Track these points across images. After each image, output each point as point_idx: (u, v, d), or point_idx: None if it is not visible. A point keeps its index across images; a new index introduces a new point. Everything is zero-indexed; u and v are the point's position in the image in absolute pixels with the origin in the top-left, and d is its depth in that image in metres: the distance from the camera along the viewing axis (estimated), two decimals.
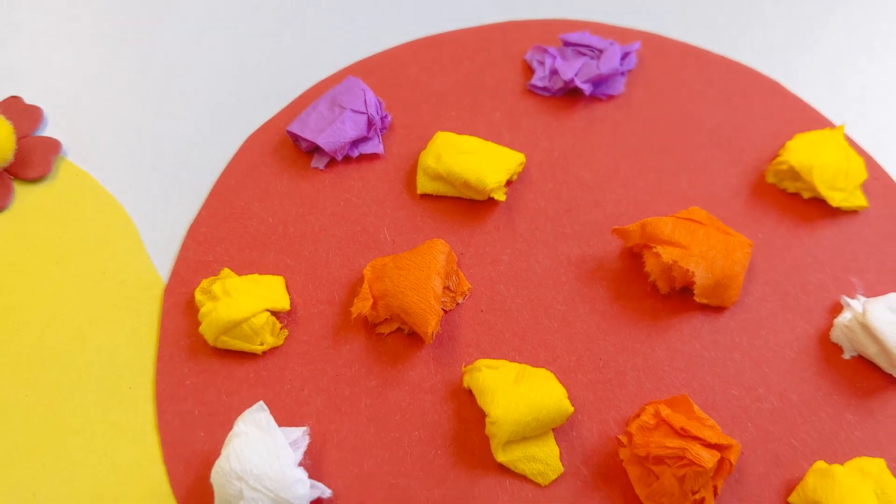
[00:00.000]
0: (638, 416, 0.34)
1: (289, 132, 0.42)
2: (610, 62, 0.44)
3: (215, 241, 0.40)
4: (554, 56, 0.46)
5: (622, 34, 0.47)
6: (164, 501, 0.33)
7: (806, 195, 0.41)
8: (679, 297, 0.38)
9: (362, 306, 0.36)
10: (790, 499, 0.34)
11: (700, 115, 0.44)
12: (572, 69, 0.44)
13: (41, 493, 0.34)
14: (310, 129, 0.41)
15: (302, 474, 0.32)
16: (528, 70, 0.46)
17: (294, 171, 0.42)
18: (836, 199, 0.40)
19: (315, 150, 0.42)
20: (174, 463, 0.34)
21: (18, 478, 0.34)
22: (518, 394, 0.34)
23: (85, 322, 0.37)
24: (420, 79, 0.46)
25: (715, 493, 0.33)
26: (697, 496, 0.33)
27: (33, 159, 0.41)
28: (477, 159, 0.40)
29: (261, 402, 0.32)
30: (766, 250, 0.39)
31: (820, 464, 0.34)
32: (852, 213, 0.41)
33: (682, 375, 0.36)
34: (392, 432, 0.35)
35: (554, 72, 0.45)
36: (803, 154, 0.40)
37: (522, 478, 0.34)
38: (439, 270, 0.36)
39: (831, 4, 0.48)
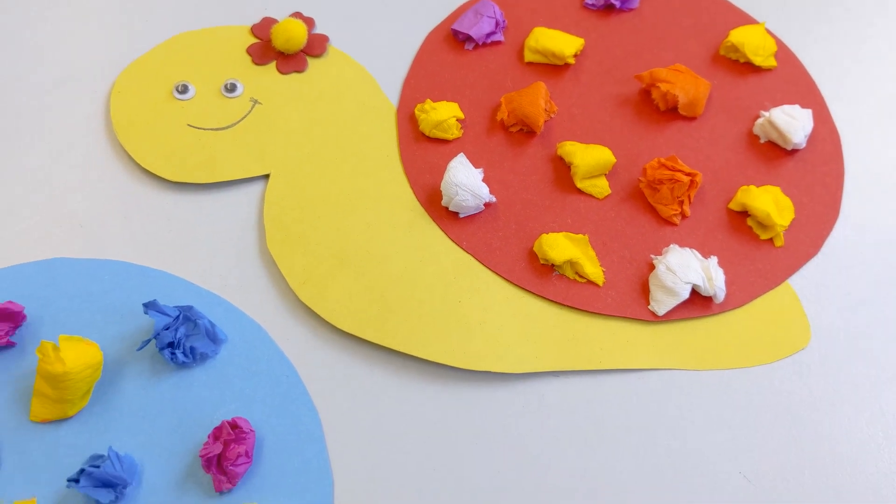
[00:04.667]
0: (650, 163, 0.56)
1: (452, 29, 0.62)
2: None
3: (420, 86, 0.61)
4: None
5: None
6: (411, 201, 0.55)
7: (742, 60, 0.62)
8: (671, 112, 0.59)
9: (502, 114, 0.58)
10: (729, 205, 0.55)
11: (682, 20, 0.65)
12: None
13: (350, 210, 0.55)
14: (464, 26, 0.62)
15: (485, 185, 0.55)
16: None
17: (456, 50, 0.63)
18: (757, 60, 0.61)
19: (467, 39, 0.62)
20: (417, 186, 0.56)
21: (334, 210, 0.54)
22: (588, 153, 0.55)
23: (358, 127, 0.58)
24: (523, 2, 0.66)
25: (689, 200, 0.56)
26: (680, 199, 0.55)
27: (315, 45, 0.61)
28: (558, 41, 0.61)
29: (462, 153, 0.56)
30: (719, 89, 0.61)
31: (744, 186, 0.55)
32: (768, 69, 0.62)
33: (672, 149, 0.58)
34: (520, 174, 0.57)
35: None
36: (740, 37, 0.62)
37: (591, 196, 0.56)
38: (542, 96, 0.57)
39: None
